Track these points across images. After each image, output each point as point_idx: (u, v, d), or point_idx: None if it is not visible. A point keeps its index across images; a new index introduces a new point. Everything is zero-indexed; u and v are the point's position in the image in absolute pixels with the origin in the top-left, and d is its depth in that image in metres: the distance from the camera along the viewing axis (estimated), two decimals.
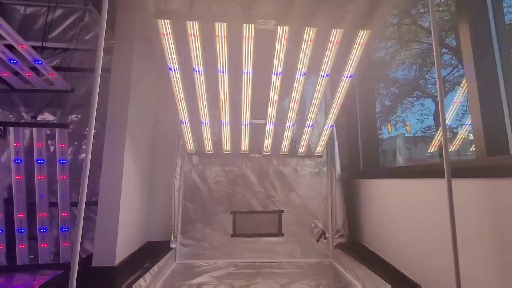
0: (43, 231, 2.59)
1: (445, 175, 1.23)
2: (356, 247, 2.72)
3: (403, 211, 2.06)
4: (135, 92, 2.46)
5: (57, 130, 2.54)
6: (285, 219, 2.90)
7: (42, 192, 2.57)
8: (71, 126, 2.94)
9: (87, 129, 2.90)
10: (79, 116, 3.03)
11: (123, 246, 2.30)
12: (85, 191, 1.19)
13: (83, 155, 2.96)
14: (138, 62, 2.52)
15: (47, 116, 2.97)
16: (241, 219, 2.88)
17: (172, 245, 2.70)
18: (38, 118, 2.92)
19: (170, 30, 1.84)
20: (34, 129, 2.50)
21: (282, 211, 2.91)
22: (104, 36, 1.35)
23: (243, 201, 2.91)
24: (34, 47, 2.93)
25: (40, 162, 2.54)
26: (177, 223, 2.80)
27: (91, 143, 1.23)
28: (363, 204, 2.81)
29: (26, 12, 3.11)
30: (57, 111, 2.97)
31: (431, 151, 2.95)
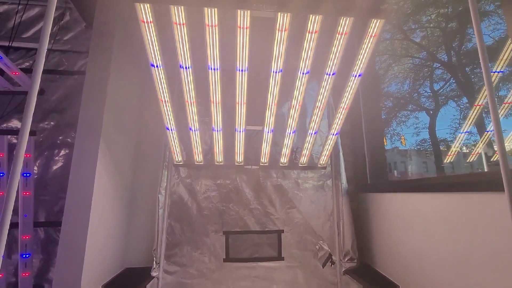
0: None
1: (505, 188, 0.92)
2: (368, 272, 2.36)
3: (427, 231, 1.73)
4: (114, 94, 2.15)
5: None
6: (286, 240, 2.53)
7: None
8: (42, 135, 2.59)
9: (60, 137, 2.56)
10: (52, 123, 2.68)
11: (92, 275, 1.90)
12: (11, 208, 0.85)
13: (55, 167, 2.61)
14: (120, 60, 2.23)
15: (15, 123, 2.62)
16: (235, 241, 2.50)
17: (153, 274, 2.29)
18: (3, 125, 2.56)
19: (151, 17, 1.56)
20: None
21: (282, 231, 2.54)
22: (50, 23, 1.02)
23: (237, 219, 2.54)
24: (3, 47, 2.66)
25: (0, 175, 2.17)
26: (161, 246, 2.41)
27: (22, 152, 0.89)
28: (375, 221, 2.47)
29: None
30: None
31: (448, 161, 2.64)
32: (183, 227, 2.49)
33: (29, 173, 2.22)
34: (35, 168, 2.52)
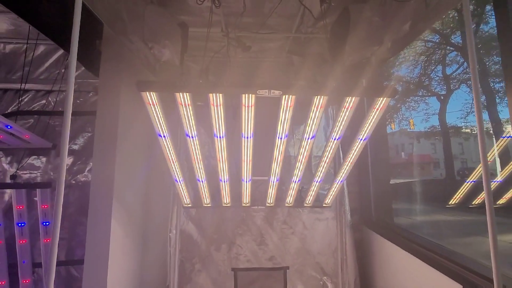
0: None
1: None
2: None
3: None
4: (124, 138, 2.21)
5: (38, 190, 2.30)
6: (292, 276, 2.66)
7: (24, 257, 2.35)
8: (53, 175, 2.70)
9: (75, 178, 2.67)
10: (68, 163, 2.78)
11: None
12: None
13: (69, 210, 2.73)
14: (127, 103, 2.25)
15: (31, 164, 2.72)
16: (243, 278, 2.64)
17: None
18: (22, 166, 2.66)
19: (156, 100, 1.58)
20: (13, 191, 2.26)
21: (288, 268, 2.66)
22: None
23: (245, 256, 2.67)
24: (15, 90, 2.74)
25: (21, 225, 2.31)
26: (174, 282, 2.57)
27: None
28: (378, 265, 2.55)
29: (6, 50, 2.85)
30: (42, 158, 2.72)
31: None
32: (194, 264, 2.64)
33: (48, 222, 2.36)
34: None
